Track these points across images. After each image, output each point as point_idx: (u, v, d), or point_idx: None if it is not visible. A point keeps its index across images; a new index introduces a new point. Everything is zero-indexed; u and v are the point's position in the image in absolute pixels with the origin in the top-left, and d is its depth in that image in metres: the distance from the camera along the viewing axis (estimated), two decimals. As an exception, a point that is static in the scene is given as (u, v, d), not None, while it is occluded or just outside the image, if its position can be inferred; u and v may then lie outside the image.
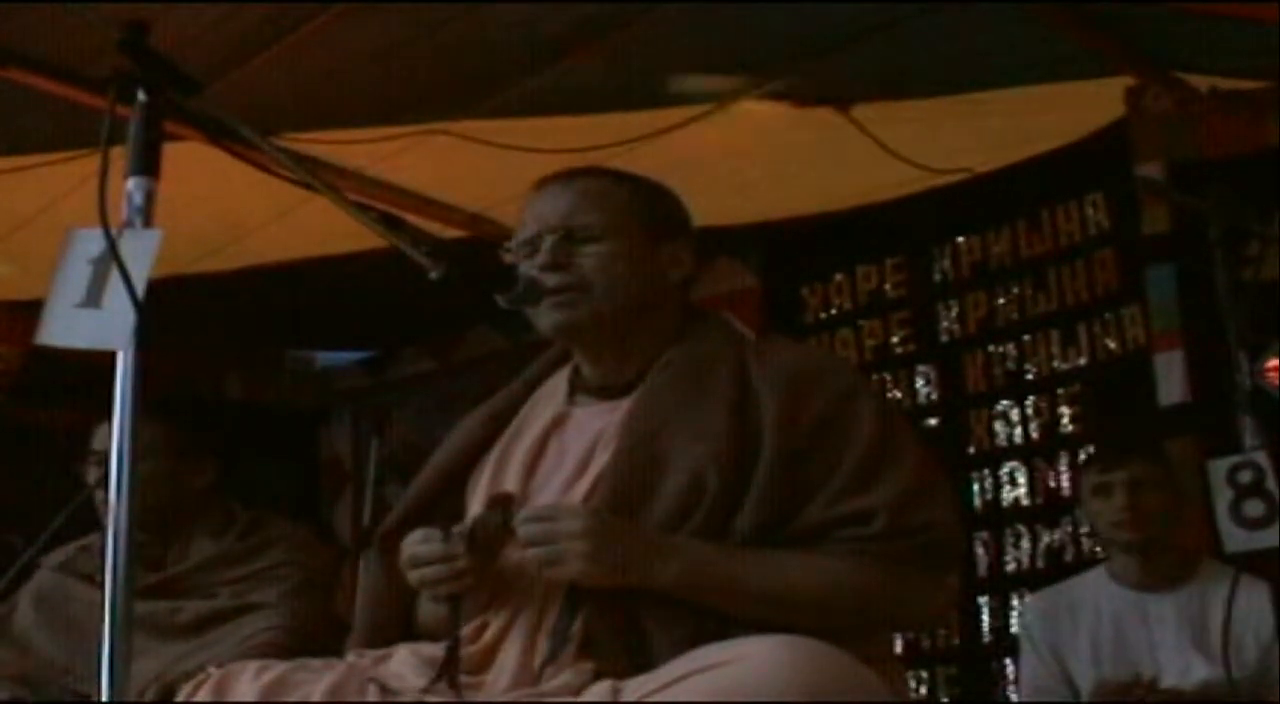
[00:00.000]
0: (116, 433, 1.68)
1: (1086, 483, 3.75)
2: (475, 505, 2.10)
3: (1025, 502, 4.70)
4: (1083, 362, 4.63)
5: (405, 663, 1.96)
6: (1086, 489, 3.73)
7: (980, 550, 4.72)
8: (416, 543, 1.98)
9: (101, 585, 3.03)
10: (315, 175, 1.94)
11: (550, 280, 2.07)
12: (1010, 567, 4.68)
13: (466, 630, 1.96)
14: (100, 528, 3.16)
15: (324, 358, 6.84)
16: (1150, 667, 3.46)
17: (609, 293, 2.08)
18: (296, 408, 6.79)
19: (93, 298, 1.71)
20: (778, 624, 1.79)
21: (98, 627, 3.03)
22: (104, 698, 1.61)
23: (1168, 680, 3.42)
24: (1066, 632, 3.67)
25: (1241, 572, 3.24)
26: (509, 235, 2.19)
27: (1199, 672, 3.41)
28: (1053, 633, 3.69)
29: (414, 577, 1.97)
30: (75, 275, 1.72)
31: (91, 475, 3.15)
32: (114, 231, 1.68)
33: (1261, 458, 3.16)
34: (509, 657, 1.92)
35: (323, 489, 6.69)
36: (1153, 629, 3.55)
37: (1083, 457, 4.52)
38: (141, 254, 1.69)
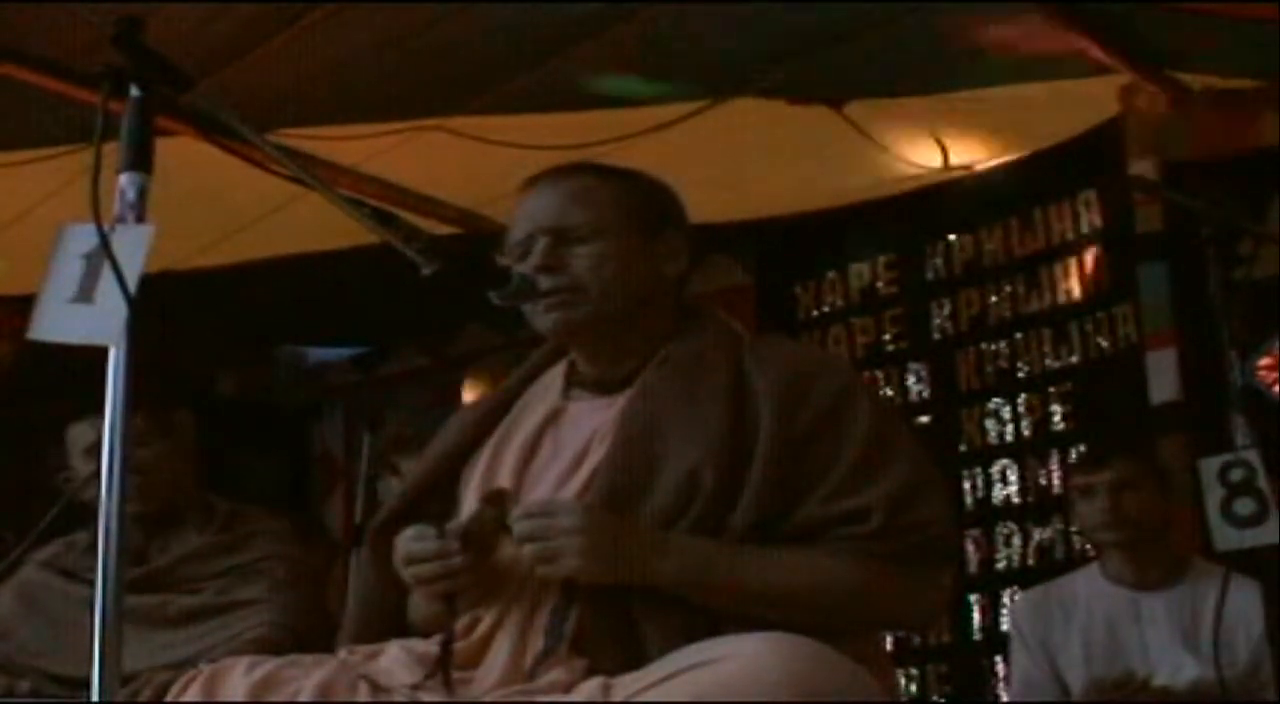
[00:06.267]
0: (108, 428, 1.68)
1: (1072, 485, 3.78)
2: (468, 500, 2.09)
3: (1016, 499, 4.71)
4: (1075, 360, 4.64)
5: (396, 660, 1.95)
6: (1073, 492, 3.75)
7: (971, 548, 4.72)
8: (410, 540, 1.97)
9: (84, 581, 3.08)
10: (308, 171, 1.93)
11: (544, 283, 2.06)
12: (1001, 564, 4.69)
13: (459, 626, 1.96)
14: (84, 525, 3.18)
15: (316, 354, 6.80)
16: (1142, 666, 3.47)
17: (604, 293, 2.07)
18: (288, 404, 6.79)
19: (85, 293, 1.70)
20: (773, 621, 1.79)
21: (76, 618, 3.07)
22: (94, 697, 1.60)
23: (1159, 680, 3.43)
24: (1058, 629, 3.68)
25: (1231, 571, 3.25)
26: (502, 231, 2.18)
27: (1190, 671, 3.41)
28: (1044, 630, 3.70)
29: (408, 574, 1.97)
30: (67, 270, 1.72)
31: (82, 473, 3.15)
32: (106, 227, 1.68)
33: (1253, 456, 3.16)
34: (500, 652, 1.92)
35: (315, 485, 6.69)
36: (1144, 628, 3.55)
37: (1074, 455, 4.53)
38: (134, 249, 1.69)
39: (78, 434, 3.20)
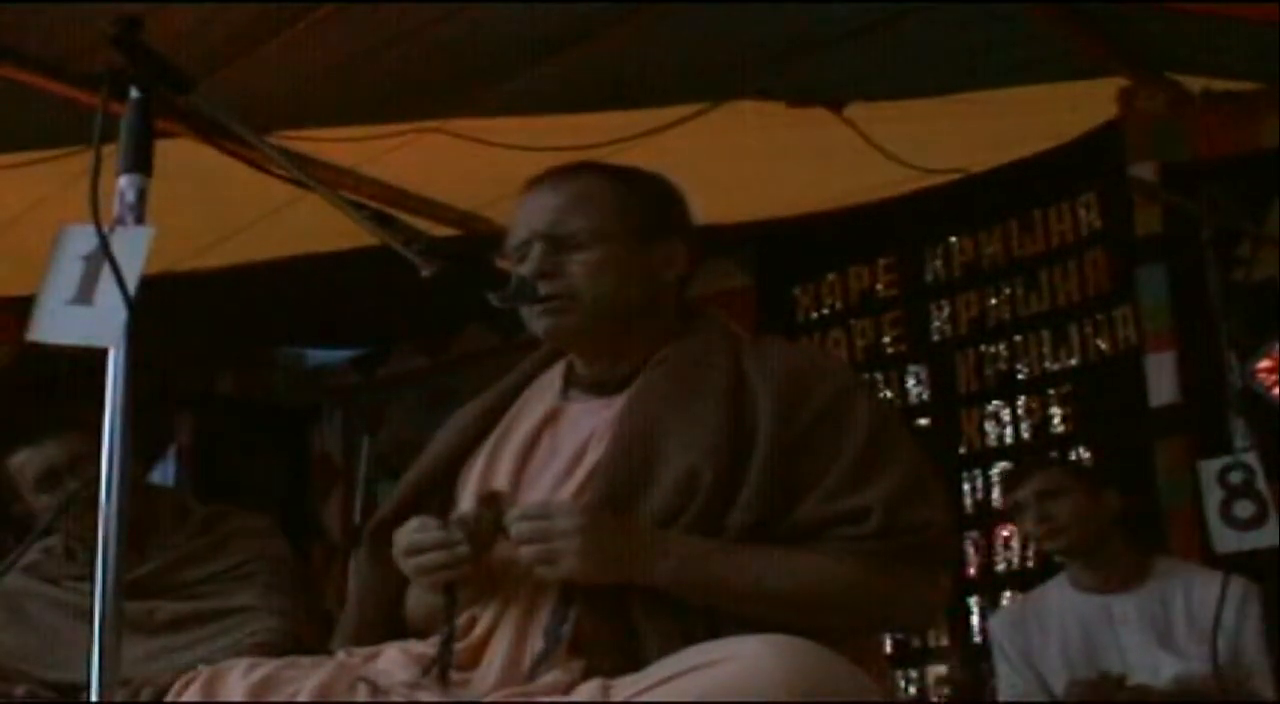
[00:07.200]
0: (108, 432, 1.68)
1: (1007, 506, 3.80)
2: (465, 500, 2.09)
3: (1016, 501, 4.71)
4: (1074, 362, 4.64)
5: (395, 661, 1.95)
6: (1010, 511, 3.78)
7: (971, 550, 4.72)
8: (413, 531, 1.97)
9: (66, 587, 3.09)
10: (307, 172, 1.94)
11: (541, 288, 2.06)
12: (1000, 567, 4.69)
13: (458, 623, 1.96)
14: (52, 532, 3.16)
15: (315, 355, 6.83)
16: (1120, 667, 3.48)
17: (598, 301, 2.07)
18: (288, 405, 6.79)
19: (84, 295, 1.71)
20: (771, 622, 1.78)
21: (62, 624, 3.07)
22: (93, 698, 1.60)
23: (1138, 679, 3.43)
24: (1036, 641, 3.70)
25: (1231, 572, 3.26)
26: (501, 233, 2.18)
27: (1168, 669, 3.42)
28: (1023, 643, 3.72)
29: (410, 564, 1.96)
30: (67, 272, 1.72)
31: (38, 504, 3.13)
32: (106, 229, 1.68)
33: (1252, 459, 3.18)
34: (497, 653, 1.92)
35: (313, 486, 6.69)
36: (1118, 630, 3.57)
37: (1074, 457, 4.54)
38: (133, 251, 1.69)
39: (22, 465, 3.15)
